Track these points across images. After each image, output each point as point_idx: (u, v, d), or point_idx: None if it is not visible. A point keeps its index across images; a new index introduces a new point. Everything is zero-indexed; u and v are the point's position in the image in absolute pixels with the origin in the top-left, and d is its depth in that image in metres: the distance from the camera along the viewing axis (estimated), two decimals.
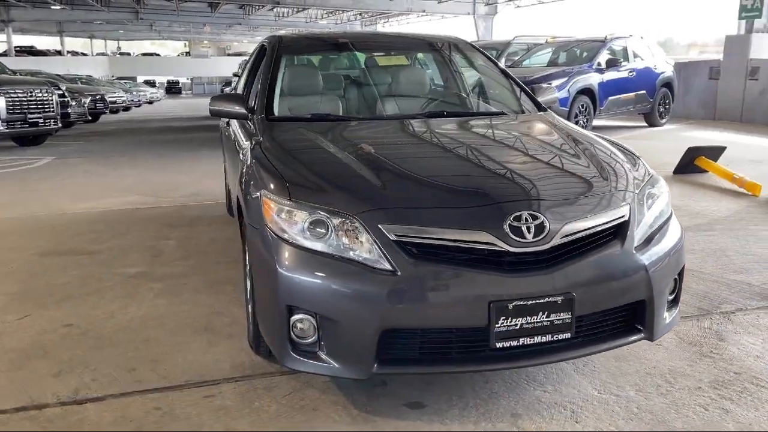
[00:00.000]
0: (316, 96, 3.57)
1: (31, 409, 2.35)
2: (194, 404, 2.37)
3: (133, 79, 47.15)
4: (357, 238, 2.14)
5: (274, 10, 39.74)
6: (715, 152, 7.23)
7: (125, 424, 2.24)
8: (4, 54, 38.19)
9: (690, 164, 7.12)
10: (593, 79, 10.81)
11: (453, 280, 2.08)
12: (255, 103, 3.35)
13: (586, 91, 10.67)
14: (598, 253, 2.21)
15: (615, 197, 2.36)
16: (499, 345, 2.09)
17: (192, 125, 17.47)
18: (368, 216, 2.15)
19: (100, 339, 2.98)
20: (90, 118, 17.34)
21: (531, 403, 2.35)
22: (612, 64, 11.15)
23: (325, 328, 2.14)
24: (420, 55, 4.33)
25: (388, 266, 2.08)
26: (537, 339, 2.12)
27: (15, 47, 40.71)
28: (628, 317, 2.32)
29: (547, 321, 2.11)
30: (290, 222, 2.22)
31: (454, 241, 2.10)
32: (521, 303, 2.07)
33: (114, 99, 23.12)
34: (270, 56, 3.63)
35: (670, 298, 2.45)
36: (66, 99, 13.52)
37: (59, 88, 12.70)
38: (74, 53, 57.01)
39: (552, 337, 2.14)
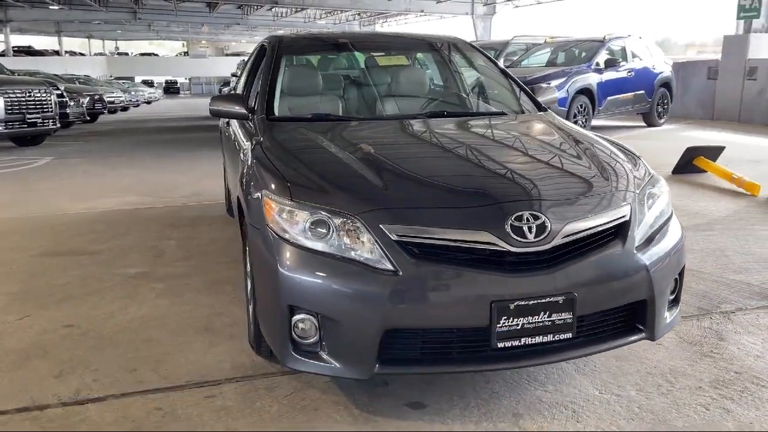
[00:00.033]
0: (317, 96, 3.57)
1: (33, 409, 2.35)
2: (195, 404, 2.37)
3: (131, 79, 47.08)
4: (358, 238, 2.14)
5: (273, 10, 39.72)
6: (713, 152, 7.24)
7: (126, 425, 2.24)
8: (2, 54, 38.13)
9: (689, 164, 7.13)
10: (592, 79, 10.83)
11: (454, 280, 2.08)
12: (255, 103, 3.35)
13: (585, 91, 10.68)
14: (599, 253, 2.22)
15: (616, 197, 2.36)
16: (500, 345, 2.10)
17: (190, 125, 17.46)
18: (370, 216, 2.15)
19: (101, 339, 2.98)
20: (88, 118, 17.33)
21: (532, 402, 2.35)
22: (611, 64, 11.16)
23: (326, 328, 2.15)
24: (420, 55, 4.33)
25: (389, 266, 2.08)
26: (538, 339, 2.13)
27: (13, 47, 40.68)
28: (629, 317, 2.32)
29: (549, 321, 2.11)
30: (291, 222, 2.22)
31: (456, 241, 2.10)
32: (523, 303, 2.08)
33: (112, 99, 23.09)
34: (270, 56, 3.63)
35: (671, 297, 2.45)
36: (64, 99, 13.50)
37: (57, 88, 12.67)
38: (72, 53, 56.95)
39: (553, 337, 2.14)
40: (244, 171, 2.79)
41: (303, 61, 4.31)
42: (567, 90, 10.26)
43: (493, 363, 2.16)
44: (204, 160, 9.20)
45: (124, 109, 26.37)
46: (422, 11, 34.44)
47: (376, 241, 2.11)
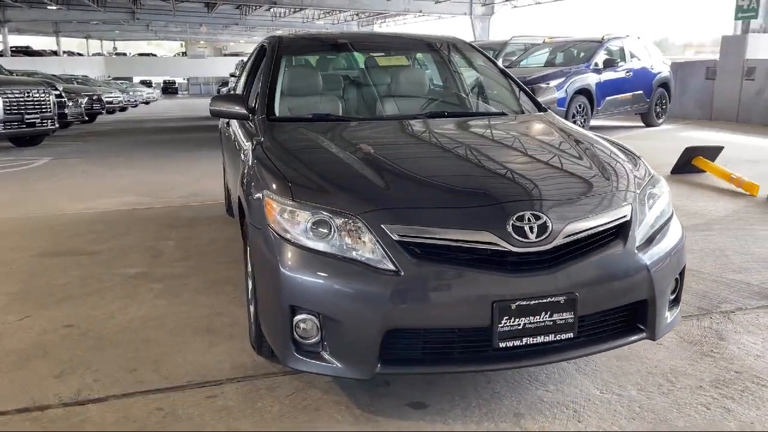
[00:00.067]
0: (317, 96, 3.57)
1: (34, 410, 2.34)
2: (196, 405, 2.37)
3: (130, 79, 47.05)
4: (360, 239, 2.14)
5: (271, 10, 39.68)
6: (712, 152, 7.25)
7: (128, 425, 2.24)
8: (0, 54, 38.06)
9: (687, 164, 7.14)
10: (591, 80, 10.84)
11: (456, 280, 2.08)
12: (256, 103, 3.35)
13: (584, 92, 10.70)
14: (600, 253, 2.22)
15: (616, 197, 2.37)
16: (502, 345, 2.10)
17: (188, 125, 17.46)
18: (371, 216, 2.15)
19: (101, 339, 2.98)
20: (87, 118, 17.31)
21: (533, 402, 2.36)
22: (609, 64, 11.18)
23: (328, 328, 2.14)
24: (420, 55, 4.33)
25: (391, 266, 2.08)
26: (540, 339, 2.13)
27: (11, 47, 40.62)
28: (630, 317, 2.33)
29: (550, 321, 2.11)
30: (293, 222, 2.22)
31: (457, 241, 2.10)
32: (524, 303, 2.08)
33: (110, 99, 23.07)
34: (270, 57, 3.63)
35: (672, 297, 2.46)
36: (63, 99, 13.49)
37: (56, 89, 12.66)
38: (70, 53, 56.87)
39: (555, 336, 2.14)
40: (245, 171, 2.79)
41: (303, 61, 4.31)
42: (566, 90, 10.27)
43: (495, 363, 2.16)
44: (202, 161, 9.20)
45: (123, 109, 26.34)
46: (421, 11, 34.44)
47: (378, 241, 2.11)
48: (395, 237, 2.11)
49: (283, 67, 3.59)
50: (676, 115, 14.03)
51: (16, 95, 10.73)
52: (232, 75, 22.32)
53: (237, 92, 4.94)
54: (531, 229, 2.12)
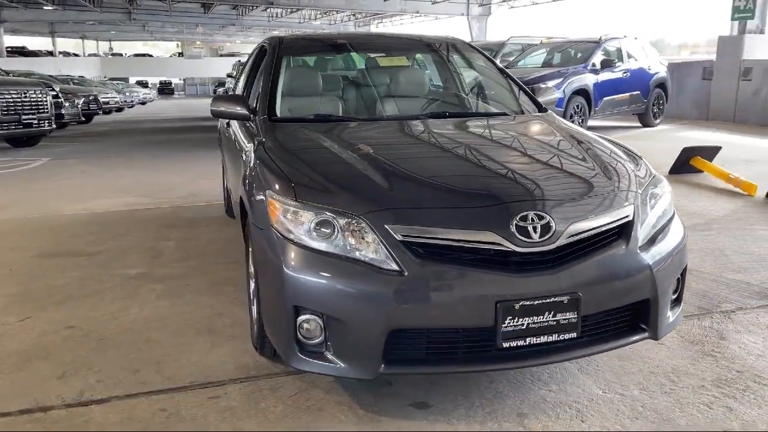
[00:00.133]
0: (318, 97, 3.57)
1: (36, 411, 2.34)
2: (200, 405, 2.37)
3: (126, 80, 46.99)
4: (363, 239, 2.14)
5: (268, 10, 39.68)
6: (710, 152, 7.27)
7: (131, 426, 2.24)
8: None
9: (685, 164, 7.16)
10: (588, 80, 10.86)
11: (460, 280, 2.08)
12: (257, 104, 3.35)
13: (581, 92, 10.73)
14: (603, 253, 2.23)
15: (619, 197, 2.37)
16: (505, 345, 2.11)
17: (185, 126, 17.44)
18: (374, 216, 2.15)
19: (103, 340, 2.97)
20: (83, 119, 17.25)
21: (536, 402, 2.36)
22: (606, 64, 11.21)
23: (331, 328, 2.15)
24: (421, 55, 4.34)
25: (394, 266, 2.09)
26: (543, 339, 2.14)
27: (6, 48, 40.46)
28: (633, 316, 2.34)
29: (554, 321, 2.12)
30: (296, 222, 2.22)
31: (461, 241, 2.11)
32: (528, 303, 2.08)
33: (107, 100, 23.02)
34: (271, 57, 3.63)
35: (673, 297, 2.47)
36: (60, 100, 13.46)
37: (53, 89, 12.64)
38: (66, 54, 56.71)
39: (558, 336, 2.15)
40: (247, 172, 2.79)
41: (304, 62, 4.31)
42: (563, 90, 10.29)
43: (499, 363, 2.17)
44: (199, 161, 9.19)
45: (119, 109, 26.29)
46: (417, 12, 34.45)
47: (381, 242, 2.11)
48: (399, 237, 2.11)
49: (284, 68, 3.59)
50: (673, 115, 14.07)
51: (13, 96, 10.70)
52: (229, 75, 22.26)
53: (236, 93, 4.94)
54: (534, 229, 2.13)
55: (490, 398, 2.39)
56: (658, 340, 2.51)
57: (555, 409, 2.32)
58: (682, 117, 14.39)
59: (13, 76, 12.86)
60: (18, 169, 8.88)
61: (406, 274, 2.07)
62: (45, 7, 36.74)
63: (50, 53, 50.23)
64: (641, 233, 2.33)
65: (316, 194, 2.28)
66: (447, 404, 2.35)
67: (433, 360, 2.16)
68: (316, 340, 2.19)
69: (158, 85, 59.29)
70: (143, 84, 50.69)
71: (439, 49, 4.21)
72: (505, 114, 3.49)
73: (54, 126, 11.94)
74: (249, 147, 3.02)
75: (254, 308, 2.66)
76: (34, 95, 11.10)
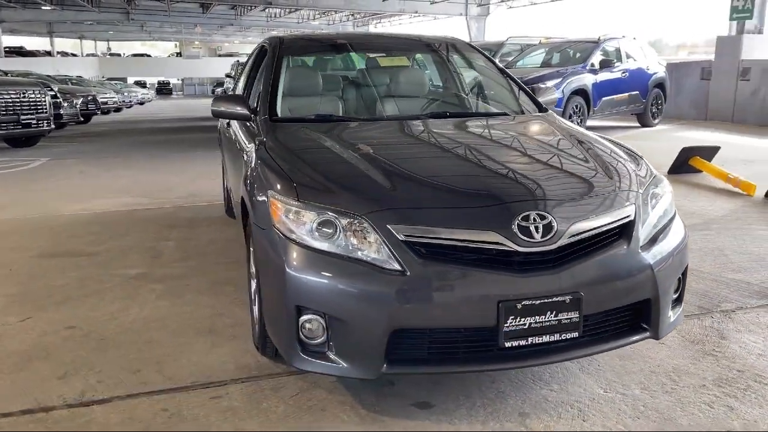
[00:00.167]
0: (319, 97, 3.57)
1: (38, 411, 2.34)
2: (201, 405, 2.37)
3: (124, 80, 46.94)
4: (365, 239, 2.14)
5: (266, 10, 39.68)
6: (709, 152, 7.28)
7: (133, 426, 2.24)
8: None
9: (684, 164, 7.17)
10: (587, 80, 10.88)
11: (462, 280, 2.08)
12: (257, 104, 3.35)
13: (580, 92, 10.74)
14: (604, 253, 2.23)
15: (620, 197, 2.38)
16: (507, 344, 2.11)
17: (184, 126, 17.43)
18: (376, 216, 2.15)
19: (103, 341, 2.97)
20: (82, 119, 17.23)
21: (538, 402, 2.36)
22: (605, 64, 11.22)
23: (334, 328, 2.15)
24: (422, 55, 4.34)
25: (397, 266, 2.09)
26: (545, 338, 2.14)
27: (4, 48, 40.41)
28: (634, 316, 2.34)
29: (555, 320, 2.12)
30: (298, 222, 2.22)
31: (463, 241, 2.11)
32: (529, 302, 2.09)
33: (105, 100, 23.01)
34: (271, 57, 3.63)
35: (675, 296, 2.47)
36: (58, 100, 13.45)
37: (51, 89, 12.63)
38: (64, 54, 56.65)
39: (560, 336, 2.15)
40: (249, 172, 2.79)
41: (305, 62, 4.31)
42: (562, 91, 10.30)
43: (501, 363, 2.17)
44: (198, 161, 9.19)
45: (117, 110, 26.26)
46: (416, 12, 34.46)
47: (384, 242, 2.11)
48: (401, 237, 2.11)
49: (285, 68, 3.59)
50: (671, 115, 14.09)
51: (12, 96, 10.69)
52: (227, 75, 22.28)
53: (236, 93, 4.94)
54: (536, 228, 2.13)
55: (492, 398, 2.39)
56: (659, 340, 2.51)
57: (557, 408, 2.32)
58: (681, 117, 14.41)
59: (12, 76, 12.84)
60: (17, 170, 8.87)
61: (408, 274, 2.07)
62: (43, 7, 36.73)
63: (48, 53, 50.23)
64: (642, 233, 2.34)
65: (318, 194, 2.28)
66: (449, 404, 2.35)
67: (436, 360, 2.16)
68: (319, 340, 2.19)
69: (156, 86, 59.19)
70: (141, 84, 50.63)
71: (439, 49, 4.21)
72: (505, 114, 3.49)
73: (52, 126, 11.93)
74: (250, 147, 3.02)
75: (255, 308, 2.67)
76: (32, 95, 11.08)
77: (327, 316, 2.14)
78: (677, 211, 2.68)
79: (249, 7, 37.86)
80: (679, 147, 7.35)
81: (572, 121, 10.21)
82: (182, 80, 61.16)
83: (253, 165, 2.76)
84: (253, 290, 2.75)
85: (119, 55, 72.60)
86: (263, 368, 2.63)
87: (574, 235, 2.18)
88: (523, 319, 2.09)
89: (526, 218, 2.14)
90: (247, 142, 3.21)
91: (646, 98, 12.19)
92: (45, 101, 11.38)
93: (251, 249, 2.67)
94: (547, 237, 2.13)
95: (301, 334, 2.19)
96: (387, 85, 3.76)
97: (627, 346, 2.47)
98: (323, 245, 2.17)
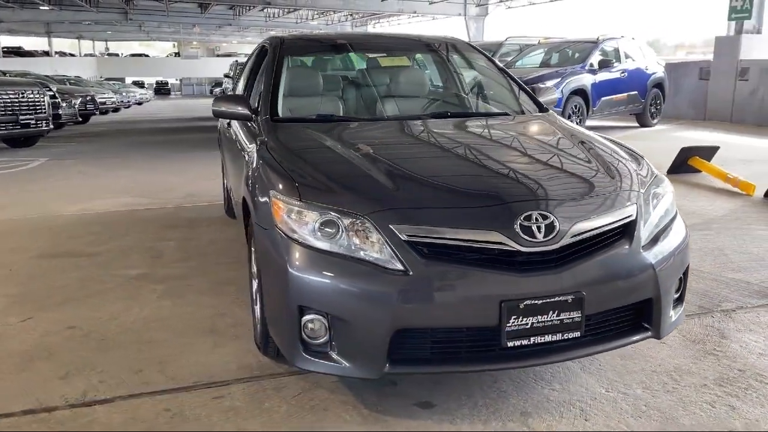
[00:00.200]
0: (320, 97, 3.57)
1: (40, 411, 2.34)
2: (204, 405, 2.37)
3: (122, 80, 46.88)
4: (368, 239, 2.14)
5: (265, 10, 39.64)
6: (708, 152, 7.29)
7: (136, 426, 2.24)
8: None
9: (684, 164, 7.18)
10: (586, 80, 10.89)
11: (464, 279, 2.09)
12: (259, 104, 3.35)
13: (579, 92, 10.75)
14: (606, 253, 2.23)
15: (622, 197, 2.38)
16: (510, 344, 2.11)
17: (182, 126, 17.42)
18: (379, 216, 2.16)
19: (105, 341, 2.97)
20: (80, 119, 17.20)
21: (540, 401, 2.37)
22: (604, 65, 11.23)
23: (336, 328, 2.15)
24: (423, 55, 4.34)
25: (399, 266, 2.09)
26: (547, 338, 2.14)
27: (2, 48, 40.37)
28: (636, 316, 2.34)
29: (558, 320, 2.13)
30: (300, 222, 2.22)
31: (466, 241, 2.11)
32: (532, 302, 2.09)
33: (103, 100, 22.95)
34: (272, 57, 3.63)
35: (676, 296, 2.48)
36: (57, 100, 13.42)
37: (50, 89, 12.61)
38: (62, 54, 56.59)
39: (562, 335, 2.15)
40: (250, 172, 2.79)
41: (306, 62, 4.31)
42: (561, 91, 10.31)
43: (503, 362, 2.17)
44: (197, 161, 9.18)
45: (116, 110, 26.22)
46: (415, 12, 34.44)
47: (386, 241, 2.12)
48: (403, 237, 2.11)
49: (286, 68, 3.59)
50: (670, 115, 14.10)
51: (11, 96, 10.67)
52: (226, 75, 22.28)
53: (237, 93, 4.93)
54: (539, 228, 2.13)
55: (494, 397, 2.39)
56: (660, 339, 2.51)
57: (559, 408, 2.32)
58: (679, 117, 14.43)
59: (10, 76, 12.82)
60: (16, 170, 8.86)
61: (410, 273, 2.07)
62: (41, 7, 36.68)
63: (46, 53, 50.16)
64: (644, 233, 2.34)
65: (320, 194, 2.28)
66: (451, 404, 2.35)
67: (438, 359, 2.16)
68: (321, 340, 2.19)
69: (155, 86, 59.10)
70: (139, 84, 50.56)
71: (440, 49, 4.21)
72: (506, 114, 3.50)
73: (51, 126, 11.92)
74: (251, 147, 3.03)
75: (257, 308, 2.67)
76: (31, 95, 11.07)
77: (329, 316, 2.15)
78: (677, 210, 2.68)
79: (247, 7, 37.82)
80: (678, 147, 7.36)
81: (571, 121, 10.23)
82: (180, 80, 61.09)
83: (254, 165, 2.76)
84: (254, 290, 2.75)
85: (117, 55, 72.53)
86: (265, 368, 2.63)
87: (576, 235, 2.18)
88: (525, 319, 2.10)
89: (529, 218, 2.14)
90: (248, 143, 3.21)
91: (645, 98, 12.20)
92: (44, 101, 11.37)
93: (253, 249, 2.67)
94: (550, 237, 2.14)
95: (303, 334, 2.19)
96: (388, 85, 3.76)
97: (628, 346, 2.47)
98: (325, 245, 2.17)
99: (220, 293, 3.58)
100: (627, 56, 11.92)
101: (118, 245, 4.68)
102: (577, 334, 2.17)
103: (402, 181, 2.36)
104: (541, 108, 3.55)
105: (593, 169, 2.56)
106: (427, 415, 2.28)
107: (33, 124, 11.10)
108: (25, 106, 10.91)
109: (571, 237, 2.17)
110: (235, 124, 3.89)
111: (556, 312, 2.12)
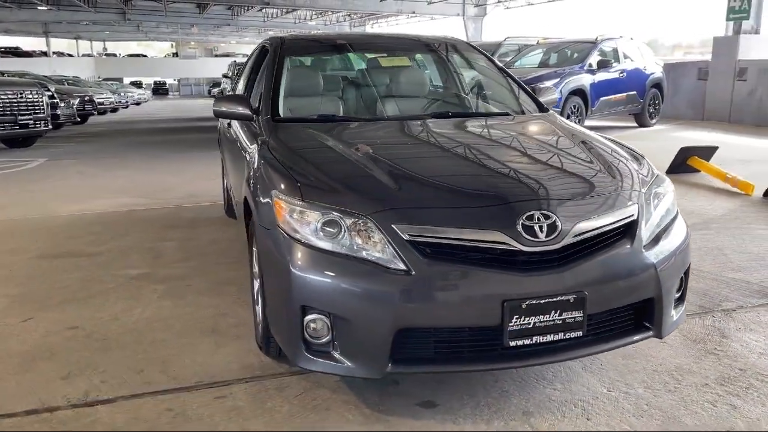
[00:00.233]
0: (321, 97, 3.57)
1: (42, 411, 2.34)
2: (206, 405, 2.37)
3: (120, 80, 46.87)
4: (370, 238, 2.15)
5: (263, 11, 39.62)
6: (707, 152, 7.31)
7: (138, 426, 2.24)
8: None
9: (683, 164, 7.19)
10: (585, 80, 10.91)
11: (467, 279, 2.09)
12: (260, 104, 3.35)
13: (578, 92, 10.78)
14: (608, 252, 2.24)
15: (623, 196, 2.39)
16: (512, 344, 2.11)
17: (181, 126, 17.42)
18: (381, 216, 2.16)
19: (106, 341, 2.97)
20: (78, 119, 17.20)
21: (542, 401, 2.37)
22: (603, 65, 11.25)
23: (339, 327, 2.15)
24: (424, 56, 4.34)
25: (402, 266, 2.09)
26: (549, 337, 2.14)
27: (0, 48, 40.29)
28: (637, 315, 2.35)
29: (560, 319, 2.13)
30: (303, 222, 2.23)
31: (468, 240, 2.11)
32: (534, 302, 2.09)
33: (102, 100, 22.94)
34: (273, 57, 3.63)
35: (677, 296, 2.48)
36: (55, 100, 13.39)
37: (48, 90, 12.59)
38: (60, 54, 56.50)
39: (564, 335, 2.16)
40: (252, 172, 2.79)
41: (306, 62, 4.32)
42: (560, 91, 10.33)
43: (505, 362, 2.18)
44: (196, 162, 9.18)
45: (114, 110, 26.21)
46: (413, 12, 34.46)
47: (389, 241, 2.12)
48: (406, 237, 2.11)
49: (287, 68, 3.59)
50: (668, 115, 14.12)
51: (9, 96, 10.67)
52: (224, 76, 22.22)
53: (236, 93, 4.93)
54: (541, 228, 2.14)
55: (496, 397, 2.39)
56: (662, 339, 2.52)
57: (561, 407, 2.33)
58: (678, 117, 14.45)
59: (8, 76, 12.80)
60: (15, 170, 8.85)
61: (413, 273, 2.08)
62: (39, 8, 36.63)
63: (44, 53, 50.08)
64: (645, 232, 2.34)
65: (322, 194, 2.29)
66: (453, 403, 2.35)
67: (440, 359, 2.17)
68: (323, 340, 2.19)
69: (152, 86, 59.10)
70: (137, 84, 50.59)
71: (440, 49, 4.22)
72: (507, 114, 3.50)
73: (50, 126, 11.91)
74: (253, 147, 3.03)
75: (259, 308, 2.67)
76: (30, 96, 11.07)
77: (332, 315, 2.15)
78: (678, 210, 2.69)
79: (246, 8, 37.80)
80: (677, 147, 7.37)
81: (570, 122, 10.24)
82: (178, 81, 61.09)
83: (256, 165, 2.76)
84: (255, 290, 2.75)
85: (115, 55, 72.46)
86: (267, 368, 2.64)
87: (578, 235, 2.19)
88: (527, 319, 2.10)
89: (531, 218, 2.15)
90: (249, 143, 3.21)
91: (644, 98, 12.22)
92: (42, 101, 11.36)
93: (255, 249, 2.67)
94: (552, 236, 2.14)
95: (305, 333, 2.19)
96: (388, 86, 3.76)
97: (630, 345, 2.48)
98: (328, 245, 2.18)
99: (221, 293, 3.58)
100: (625, 56, 11.94)
101: (118, 245, 4.68)
102: (579, 333, 2.17)
103: (404, 181, 2.36)
104: (542, 108, 3.56)
105: (594, 168, 2.56)
106: (429, 415, 2.29)
107: (32, 124, 11.10)
108: (23, 106, 10.90)
109: (573, 237, 2.18)
110: (235, 124, 3.88)
111: (558, 312, 2.12)
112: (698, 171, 7.10)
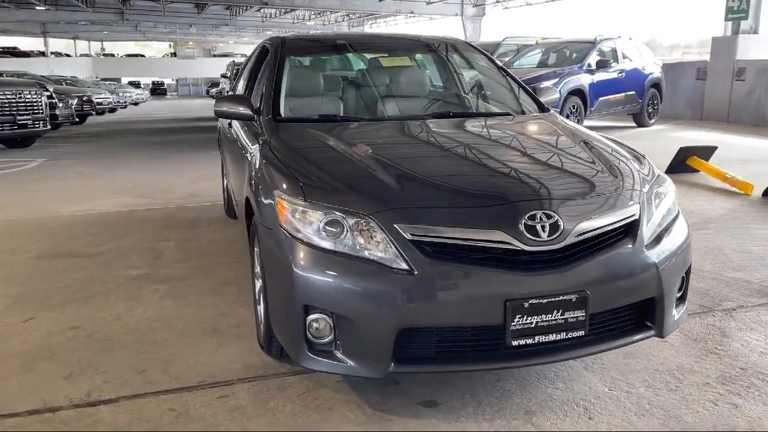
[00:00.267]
0: (322, 97, 3.57)
1: (44, 411, 2.34)
2: (208, 405, 2.37)
3: (118, 80, 46.85)
4: (372, 238, 2.15)
5: (262, 11, 39.59)
6: (706, 152, 7.32)
7: (141, 426, 2.24)
8: None
9: (682, 164, 7.20)
10: (584, 80, 10.92)
11: (469, 279, 2.10)
12: (261, 104, 3.35)
13: (577, 92, 10.79)
14: (610, 252, 2.24)
15: (625, 196, 2.39)
16: (514, 343, 2.12)
17: (179, 127, 17.40)
18: (383, 216, 2.16)
19: (108, 341, 2.97)
20: (77, 119, 17.20)
21: (543, 400, 2.37)
22: (602, 65, 11.26)
23: (341, 327, 2.15)
24: (424, 56, 4.35)
25: (404, 266, 2.09)
26: (551, 337, 2.15)
27: None
28: (639, 315, 2.35)
29: (562, 319, 2.13)
30: (305, 222, 2.23)
31: (470, 240, 2.12)
32: (536, 301, 2.10)
33: (100, 100, 22.93)
34: (274, 57, 3.63)
35: (678, 295, 2.48)
36: (54, 100, 13.41)
37: (47, 90, 12.59)
38: (58, 54, 56.43)
39: (566, 334, 2.16)
40: (253, 172, 2.79)
41: (307, 62, 4.32)
42: (559, 91, 10.31)
43: (508, 361, 2.18)
44: (195, 162, 9.18)
45: (112, 110, 26.19)
46: (412, 12, 34.45)
47: (391, 241, 2.12)
48: (408, 236, 2.12)
49: (287, 68, 3.59)
50: (667, 115, 14.14)
51: (8, 96, 10.66)
52: (223, 76, 22.19)
53: (237, 93, 4.93)
54: (543, 228, 2.14)
55: (498, 396, 2.40)
56: (663, 338, 2.52)
57: (562, 407, 2.33)
58: (677, 117, 14.47)
59: (6, 76, 12.79)
60: (14, 170, 8.84)
61: (415, 273, 2.08)
62: (37, 8, 36.57)
63: (42, 54, 50.00)
64: (647, 232, 2.35)
65: (324, 194, 2.29)
66: (455, 402, 2.36)
67: (443, 359, 2.17)
68: (326, 339, 2.19)
69: (151, 86, 59.09)
70: (135, 84, 50.56)
71: (440, 49, 4.22)
72: (508, 114, 3.51)
73: (49, 127, 11.90)
74: (254, 147, 3.03)
75: (260, 308, 2.67)
76: (29, 96, 11.06)
77: (334, 315, 2.15)
78: (679, 210, 2.70)
79: (244, 8, 37.76)
80: (676, 147, 7.39)
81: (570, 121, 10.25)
82: (176, 81, 61.10)
83: (257, 165, 2.76)
84: (257, 290, 2.75)
85: (113, 55, 72.34)
86: (269, 368, 2.64)
87: (580, 234, 2.19)
88: (529, 318, 2.10)
89: (533, 217, 2.15)
90: (250, 143, 3.21)
91: (643, 98, 12.24)
92: (41, 102, 11.35)
93: (256, 249, 2.67)
94: (554, 236, 2.14)
95: (308, 333, 2.20)
96: (389, 86, 3.76)
97: (631, 345, 2.48)
98: (330, 245, 2.18)
99: (222, 293, 3.58)
100: (624, 56, 11.95)
101: (118, 246, 4.67)
102: (581, 333, 2.18)
103: (406, 180, 2.37)
104: (542, 108, 3.56)
105: (596, 168, 2.57)
106: (431, 414, 2.29)
107: (30, 124, 11.09)
108: (22, 106, 10.89)
109: (575, 236, 2.18)
110: (236, 124, 3.88)
111: (560, 311, 2.12)
112: (697, 171, 7.11)
